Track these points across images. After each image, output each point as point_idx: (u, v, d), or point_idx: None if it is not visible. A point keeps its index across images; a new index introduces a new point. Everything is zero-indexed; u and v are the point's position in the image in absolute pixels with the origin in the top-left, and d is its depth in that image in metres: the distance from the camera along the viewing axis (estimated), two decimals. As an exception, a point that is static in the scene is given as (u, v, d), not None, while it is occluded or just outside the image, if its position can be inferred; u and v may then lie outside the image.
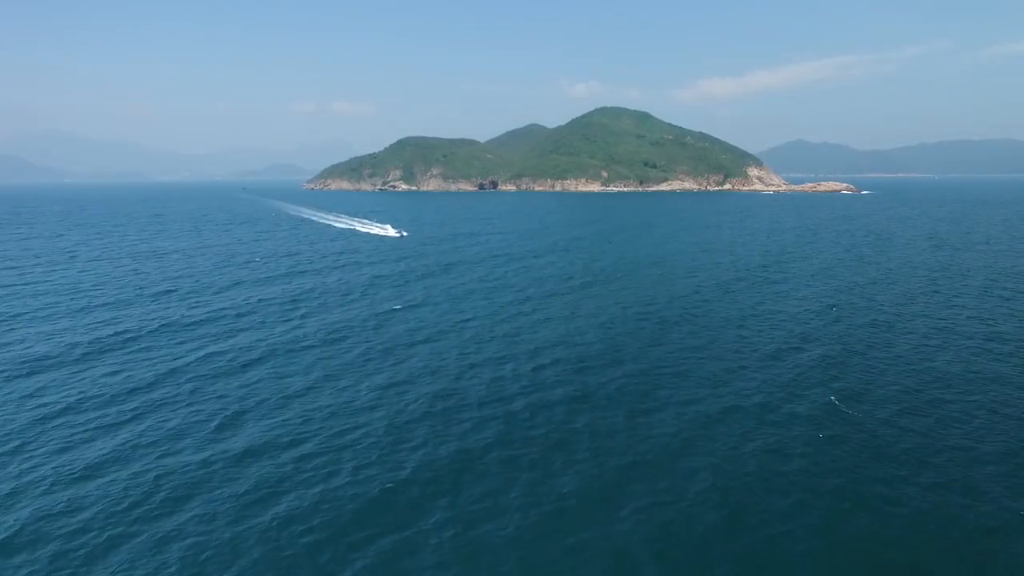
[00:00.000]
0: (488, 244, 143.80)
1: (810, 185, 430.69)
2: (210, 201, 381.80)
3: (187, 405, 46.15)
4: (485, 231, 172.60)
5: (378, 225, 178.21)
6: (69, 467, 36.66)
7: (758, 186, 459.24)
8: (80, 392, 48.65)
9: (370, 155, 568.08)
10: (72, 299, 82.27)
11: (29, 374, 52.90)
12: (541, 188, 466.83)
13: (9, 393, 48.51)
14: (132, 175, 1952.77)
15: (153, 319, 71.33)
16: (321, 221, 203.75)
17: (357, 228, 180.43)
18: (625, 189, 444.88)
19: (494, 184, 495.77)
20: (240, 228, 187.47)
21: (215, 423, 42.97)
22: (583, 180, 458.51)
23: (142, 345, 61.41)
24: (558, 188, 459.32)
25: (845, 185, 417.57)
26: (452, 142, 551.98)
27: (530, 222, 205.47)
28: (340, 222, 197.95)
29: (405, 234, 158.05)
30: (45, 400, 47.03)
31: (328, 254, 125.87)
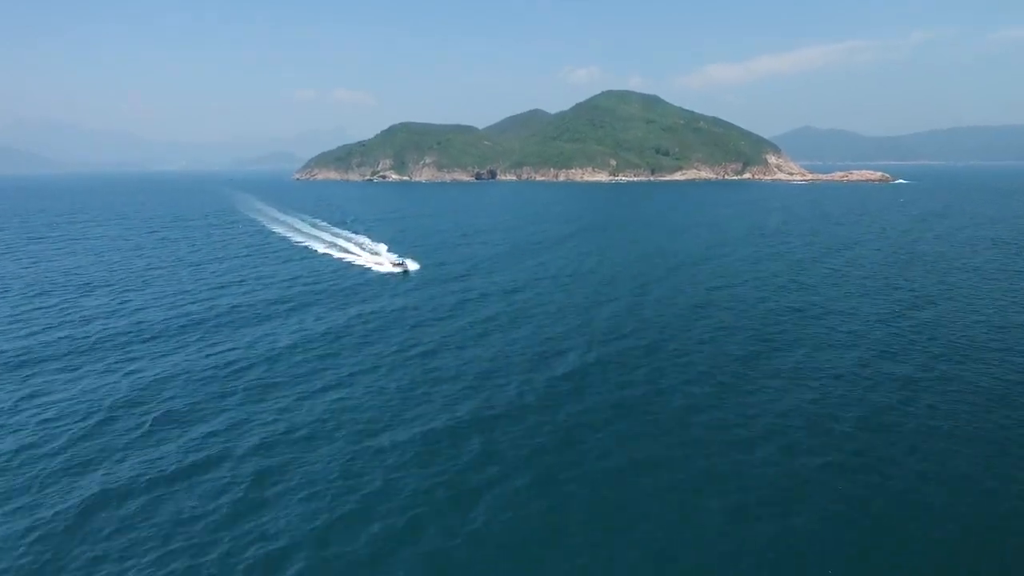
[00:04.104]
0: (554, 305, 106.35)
1: (840, 174, 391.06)
2: (169, 195, 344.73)
3: None
4: (517, 250, 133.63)
5: (368, 246, 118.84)
6: None
7: (780, 175, 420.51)
8: None
9: (359, 143, 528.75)
10: None
11: None
12: (543, 178, 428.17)
13: None
14: (130, 165, 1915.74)
15: None
16: (278, 231, 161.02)
17: (322, 250, 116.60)
18: (636, 179, 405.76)
19: (492, 174, 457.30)
20: (134, 237, 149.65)
21: None
22: (589, 169, 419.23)
23: None
24: (562, 178, 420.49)
25: (880, 175, 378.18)
26: (447, 128, 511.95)
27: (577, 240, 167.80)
28: (305, 234, 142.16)
29: (411, 268, 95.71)
30: None
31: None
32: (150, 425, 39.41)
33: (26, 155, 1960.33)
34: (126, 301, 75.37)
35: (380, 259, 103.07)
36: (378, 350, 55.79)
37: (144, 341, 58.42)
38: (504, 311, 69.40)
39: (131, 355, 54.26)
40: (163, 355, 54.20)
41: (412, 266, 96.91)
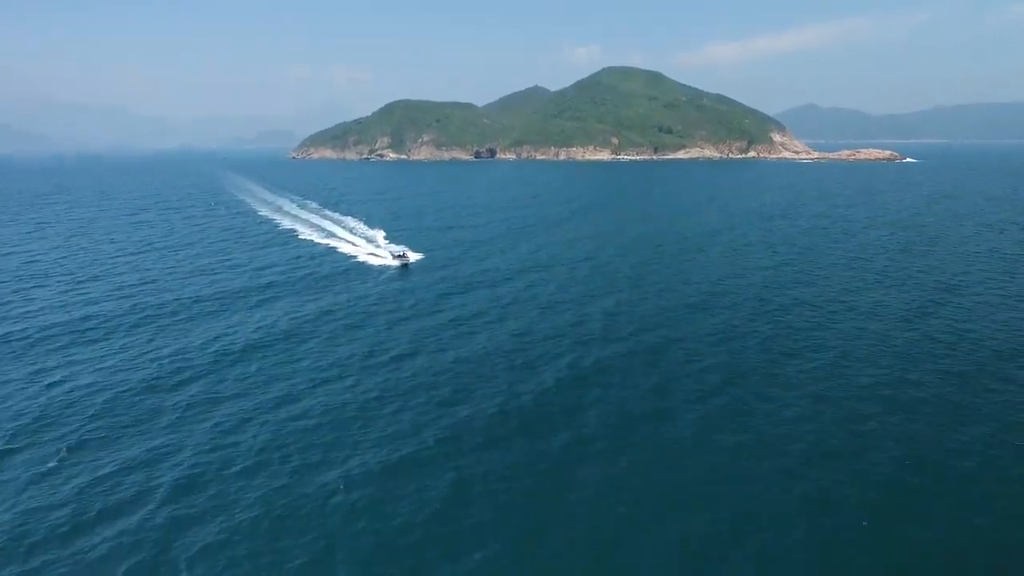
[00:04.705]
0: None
1: (847, 152, 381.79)
2: (159, 175, 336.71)
3: None
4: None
5: (361, 232, 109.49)
6: None
7: (785, 154, 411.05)
8: None
9: (356, 121, 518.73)
10: None
11: None
12: (543, 157, 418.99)
13: None
14: (127, 142, 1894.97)
15: None
16: (264, 213, 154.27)
17: (308, 235, 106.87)
18: (638, 157, 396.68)
19: (492, 152, 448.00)
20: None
21: None
22: (591, 148, 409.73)
23: None
24: (563, 156, 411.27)
25: (888, 153, 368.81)
26: (446, 105, 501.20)
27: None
28: (292, 217, 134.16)
29: (411, 258, 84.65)
30: None
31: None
32: (59, 458, 33.03)
33: (23, 133, 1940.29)
34: (82, 292, 68.90)
35: (377, 250, 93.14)
36: (347, 353, 49.37)
37: (86, 342, 52.01)
38: (492, 306, 62.87)
39: (67, 359, 47.87)
40: (103, 358, 47.81)
41: (413, 257, 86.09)
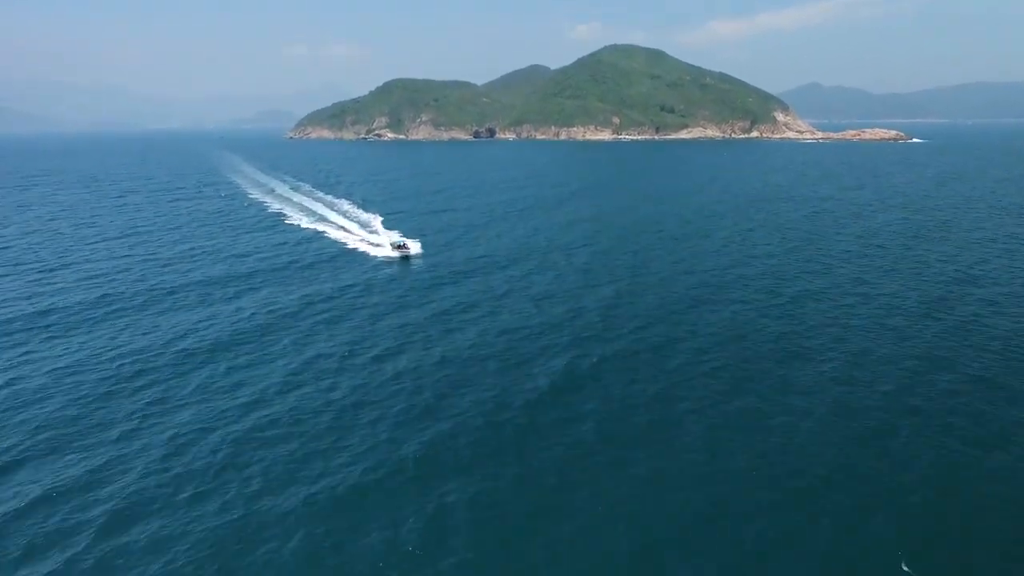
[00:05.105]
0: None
1: (852, 132, 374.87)
2: (154, 155, 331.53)
3: None
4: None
5: (355, 216, 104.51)
6: None
7: (789, 134, 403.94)
8: None
9: (353, 100, 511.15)
10: None
11: None
12: (544, 136, 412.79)
13: None
14: (124, 123, 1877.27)
15: None
16: (255, 196, 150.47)
17: (297, 220, 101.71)
18: (639, 137, 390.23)
19: (491, 132, 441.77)
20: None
21: None
22: (591, 127, 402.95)
23: None
24: (563, 136, 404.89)
25: (894, 133, 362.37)
26: (444, 84, 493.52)
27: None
28: (284, 200, 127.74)
29: (412, 249, 77.36)
30: None
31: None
32: (-12, 481, 29.36)
33: (22, 114, 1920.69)
34: (50, 282, 65.01)
35: (374, 236, 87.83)
36: (326, 351, 45.69)
37: (45, 339, 48.27)
38: (486, 298, 59.00)
39: (20, 358, 44.14)
40: (59, 357, 44.14)
41: (414, 247, 78.37)
